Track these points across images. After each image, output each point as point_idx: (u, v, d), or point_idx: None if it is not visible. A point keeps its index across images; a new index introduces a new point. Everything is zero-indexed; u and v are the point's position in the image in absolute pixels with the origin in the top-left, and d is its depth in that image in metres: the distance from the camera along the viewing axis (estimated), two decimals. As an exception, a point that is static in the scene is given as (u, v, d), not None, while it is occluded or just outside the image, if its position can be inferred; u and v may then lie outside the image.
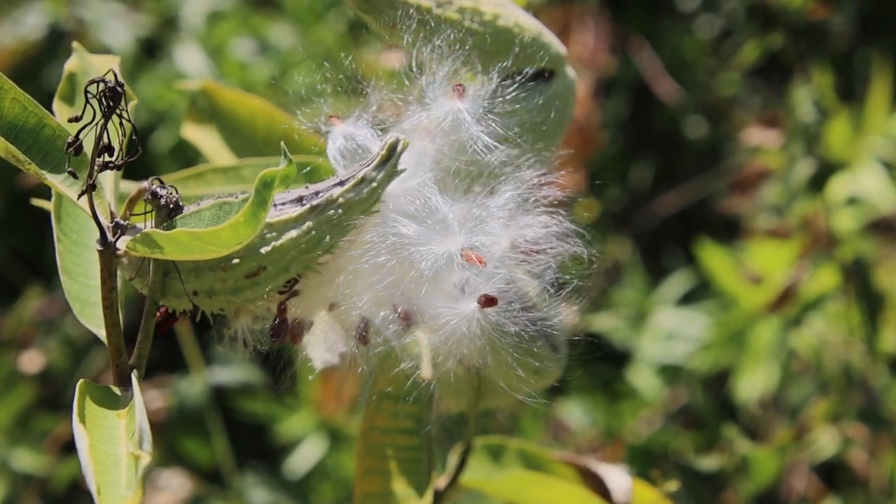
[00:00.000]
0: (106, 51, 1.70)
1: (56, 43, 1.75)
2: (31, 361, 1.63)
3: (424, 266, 0.59)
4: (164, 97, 1.71)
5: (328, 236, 0.59)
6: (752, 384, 1.59)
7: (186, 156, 1.64)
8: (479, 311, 0.59)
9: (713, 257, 1.60)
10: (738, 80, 2.14)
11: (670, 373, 1.64)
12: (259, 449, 1.75)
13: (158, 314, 0.63)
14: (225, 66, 1.75)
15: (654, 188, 2.15)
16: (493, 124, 0.62)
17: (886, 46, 2.12)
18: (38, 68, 1.76)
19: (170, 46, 1.78)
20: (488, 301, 0.58)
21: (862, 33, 2.14)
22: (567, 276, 0.64)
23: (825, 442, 1.50)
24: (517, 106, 0.65)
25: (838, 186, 1.56)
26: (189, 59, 1.73)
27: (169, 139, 1.69)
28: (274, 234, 0.59)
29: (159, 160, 1.67)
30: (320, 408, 1.61)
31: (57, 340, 1.67)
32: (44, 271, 1.81)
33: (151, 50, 1.84)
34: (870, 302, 1.51)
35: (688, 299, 1.73)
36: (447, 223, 0.59)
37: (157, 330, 0.63)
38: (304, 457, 1.61)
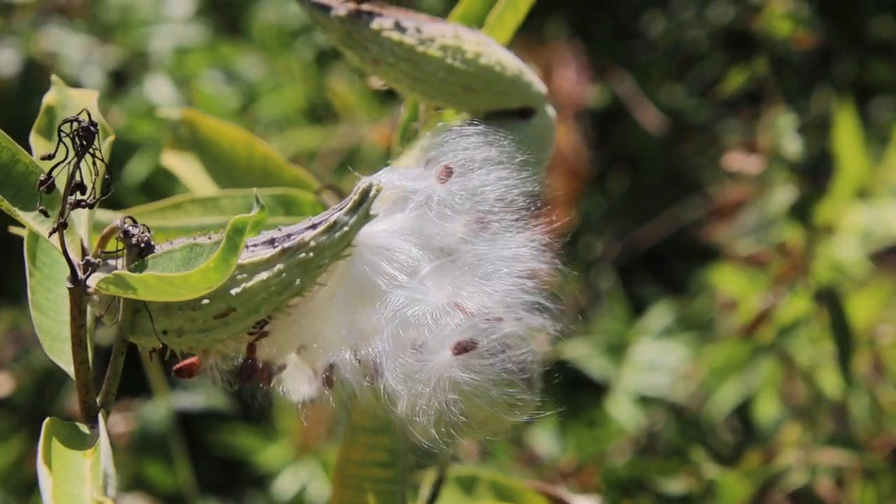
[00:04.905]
0: (77, 84, 1.71)
1: (28, 77, 1.75)
2: (1, 385, 1.61)
3: (400, 314, 0.59)
4: (136, 128, 1.71)
5: (299, 279, 0.59)
6: (727, 409, 1.60)
7: (158, 187, 1.64)
8: (453, 359, 0.59)
9: (729, 280, 1.60)
10: (707, 105, 2.17)
11: (649, 403, 1.65)
12: (234, 478, 1.74)
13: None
14: (195, 96, 1.76)
15: (625, 214, 2.16)
16: (465, 209, 0.61)
17: (846, 74, 2.16)
18: (11, 104, 1.76)
19: (140, 78, 1.79)
20: (463, 348, 0.59)
21: (821, 61, 2.17)
22: (547, 321, 0.64)
23: (795, 467, 1.52)
24: (495, 151, 0.65)
25: (853, 216, 1.58)
26: (159, 91, 1.73)
27: (142, 170, 1.69)
28: (245, 275, 0.59)
29: (131, 191, 1.67)
30: (299, 438, 1.60)
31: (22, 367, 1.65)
32: (12, 296, 1.79)
33: (121, 82, 1.84)
34: (842, 329, 1.52)
35: (666, 329, 1.74)
36: (423, 275, 0.59)
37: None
38: (284, 488, 1.61)
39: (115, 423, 1.64)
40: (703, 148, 2.21)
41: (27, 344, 1.70)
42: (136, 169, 1.71)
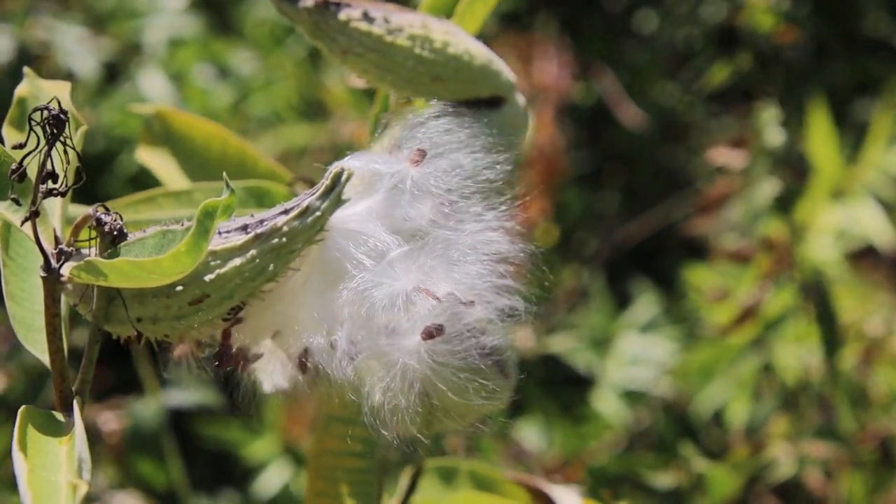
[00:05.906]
0: (70, 76, 1.71)
1: (21, 66, 1.75)
2: None
3: (369, 298, 0.59)
4: (127, 123, 1.72)
5: (272, 265, 0.59)
6: (714, 406, 1.61)
7: (148, 182, 1.64)
8: (422, 344, 0.59)
9: (704, 279, 1.61)
10: (699, 103, 2.17)
11: (634, 397, 1.66)
12: (225, 474, 1.74)
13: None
14: (187, 91, 1.77)
15: (616, 212, 2.16)
16: (438, 192, 0.61)
17: (842, 70, 2.16)
18: (1, 93, 1.75)
19: (132, 71, 1.79)
20: (431, 333, 0.59)
21: (816, 57, 2.18)
22: (518, 303, 0.64)
23: (783, 460, 1.52)
24: (466, 141, 0.65)
25: (828, 216, 1.58)
26: (152, 85, 1.74)
27: (132, 165, 1.69)
28: (218, 261, 0.59)
29: (121, 186, 1.67)
30: (285, 432, 1.61)
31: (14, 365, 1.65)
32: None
33: (114, 75, 1.84)
34: (829, 323, 1.52)
35: (651, 322, 1.74)
36: (392, 259, 0.60)
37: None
38: (269, 482, 1.61)
39: (107, 421, 1.64)
40: (696, 145, 2.21)
41: (19, 342, 1.70)
42: (126, 164, 1.71)
